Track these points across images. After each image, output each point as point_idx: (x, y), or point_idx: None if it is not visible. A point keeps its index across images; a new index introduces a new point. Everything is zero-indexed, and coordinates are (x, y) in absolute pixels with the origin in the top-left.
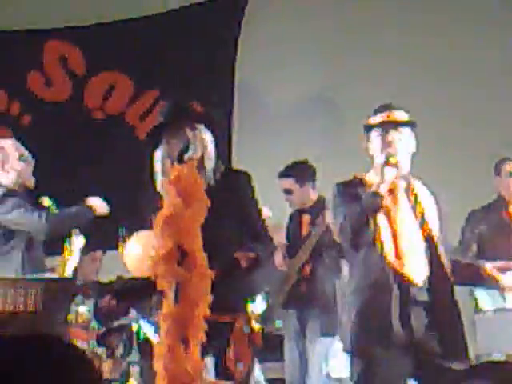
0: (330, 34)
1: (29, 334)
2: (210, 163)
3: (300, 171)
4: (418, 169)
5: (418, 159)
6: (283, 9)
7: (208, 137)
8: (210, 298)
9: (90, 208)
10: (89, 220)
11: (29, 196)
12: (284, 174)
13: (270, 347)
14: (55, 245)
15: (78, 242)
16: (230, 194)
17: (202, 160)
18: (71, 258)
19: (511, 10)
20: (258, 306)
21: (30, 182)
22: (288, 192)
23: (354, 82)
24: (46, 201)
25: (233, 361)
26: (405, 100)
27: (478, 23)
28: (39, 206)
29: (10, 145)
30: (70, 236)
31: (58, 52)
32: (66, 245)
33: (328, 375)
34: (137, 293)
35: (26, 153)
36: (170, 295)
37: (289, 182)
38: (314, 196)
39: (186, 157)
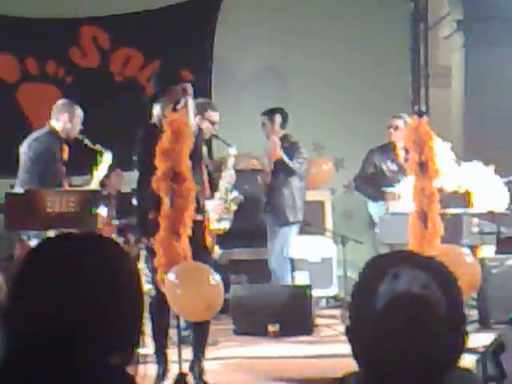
0: (278, 21)
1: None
2: (192, 114)
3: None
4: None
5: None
6: (246, 5)
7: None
8: (194, 204)
9: None
10: None
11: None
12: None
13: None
14: (83, 168)
15: (107, 156)
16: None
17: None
18: (100, 171)
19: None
20: None
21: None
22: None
23: (295, 56)
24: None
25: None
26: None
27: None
28: None
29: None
30: (101, 152)
31: (91, 34)
32: (98, 160)
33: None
34: None
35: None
36: (167, 202)
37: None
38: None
39: (177, 107)
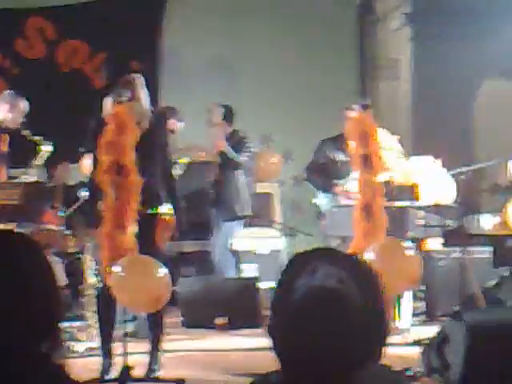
0: (227, 14)
1: None
2: (147, 104)
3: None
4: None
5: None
6: None
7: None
8: (139, 197)
9: None
10: None
11: None
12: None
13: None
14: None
15: (46, 148)
16: (159, 128)
17: (143, 101)
18: (41, 163)
19: None
20: None
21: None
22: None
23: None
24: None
25: (157, 239)
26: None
27: None
28: None
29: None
30: (40, 144)
31: (37, 25)
32: (40, 149)
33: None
34: None
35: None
36: (111, 195)
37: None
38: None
39: (122, 99)
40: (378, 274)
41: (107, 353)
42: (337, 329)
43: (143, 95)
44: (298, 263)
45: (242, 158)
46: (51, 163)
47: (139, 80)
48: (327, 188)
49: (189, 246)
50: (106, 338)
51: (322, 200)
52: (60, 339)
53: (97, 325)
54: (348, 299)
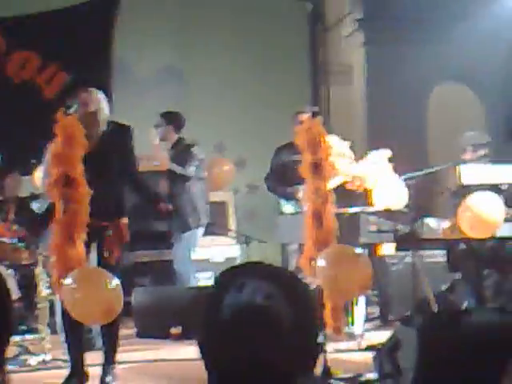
0: (177, 23)
1: None
2: (104, 116)
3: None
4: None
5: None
6: (145, 5)
7: (101, 97)
8: (89, 208)
9: None
10: None
11: None
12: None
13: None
14: None
15: None
16: (118, 139)
17: (97, 114)
18: None
19: None
20: None
21: None
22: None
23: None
24: None
25: (109, 252)
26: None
27: None
28: None
29: None
30: None
31: None
32: None
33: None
34: None
35: None
36: (60, 207)
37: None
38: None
39: (69, 112)
40: (308, 286)
41: (73, 363)
42: (263, 344)
43: (94, 107)
44: (228, 278)
45: (190, 168)
46: (0, 175)
47: (91, 91)
48: (290, 196)
49: (144, 256)
50: (74, 350)
51: (287, 208)
52: (3, 357)
53: (62, 338)
54: (275, 315)
